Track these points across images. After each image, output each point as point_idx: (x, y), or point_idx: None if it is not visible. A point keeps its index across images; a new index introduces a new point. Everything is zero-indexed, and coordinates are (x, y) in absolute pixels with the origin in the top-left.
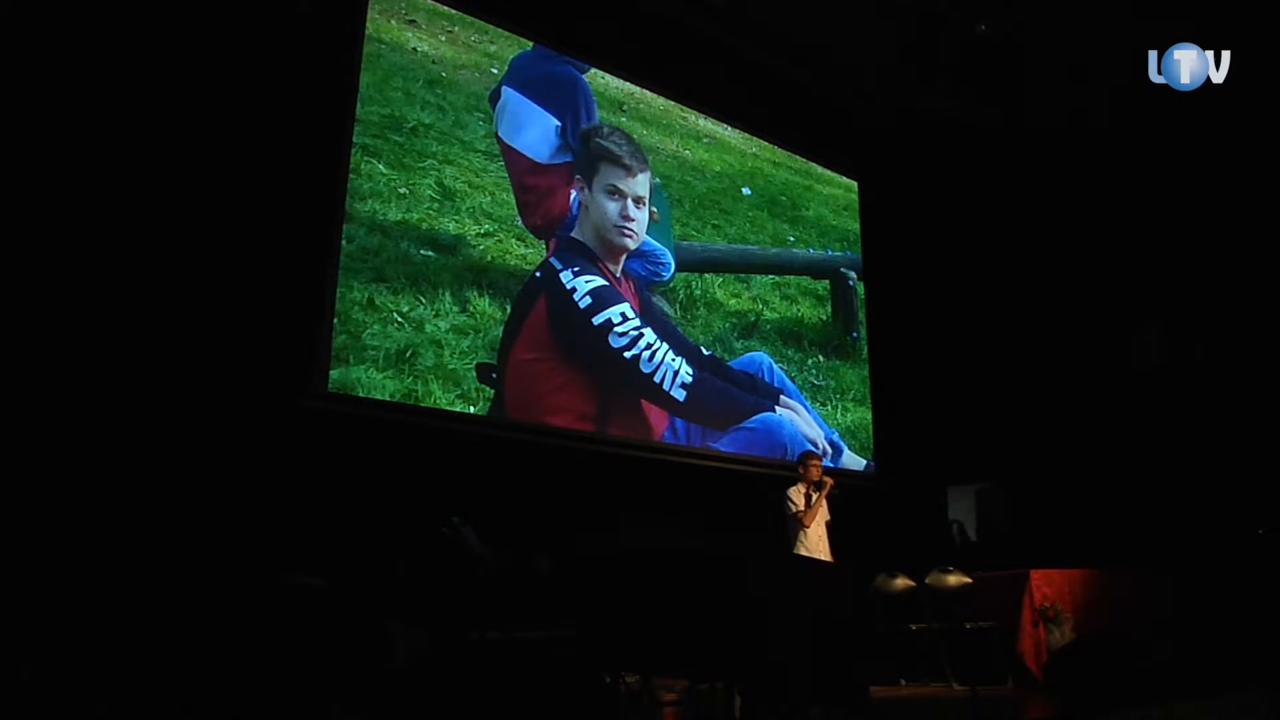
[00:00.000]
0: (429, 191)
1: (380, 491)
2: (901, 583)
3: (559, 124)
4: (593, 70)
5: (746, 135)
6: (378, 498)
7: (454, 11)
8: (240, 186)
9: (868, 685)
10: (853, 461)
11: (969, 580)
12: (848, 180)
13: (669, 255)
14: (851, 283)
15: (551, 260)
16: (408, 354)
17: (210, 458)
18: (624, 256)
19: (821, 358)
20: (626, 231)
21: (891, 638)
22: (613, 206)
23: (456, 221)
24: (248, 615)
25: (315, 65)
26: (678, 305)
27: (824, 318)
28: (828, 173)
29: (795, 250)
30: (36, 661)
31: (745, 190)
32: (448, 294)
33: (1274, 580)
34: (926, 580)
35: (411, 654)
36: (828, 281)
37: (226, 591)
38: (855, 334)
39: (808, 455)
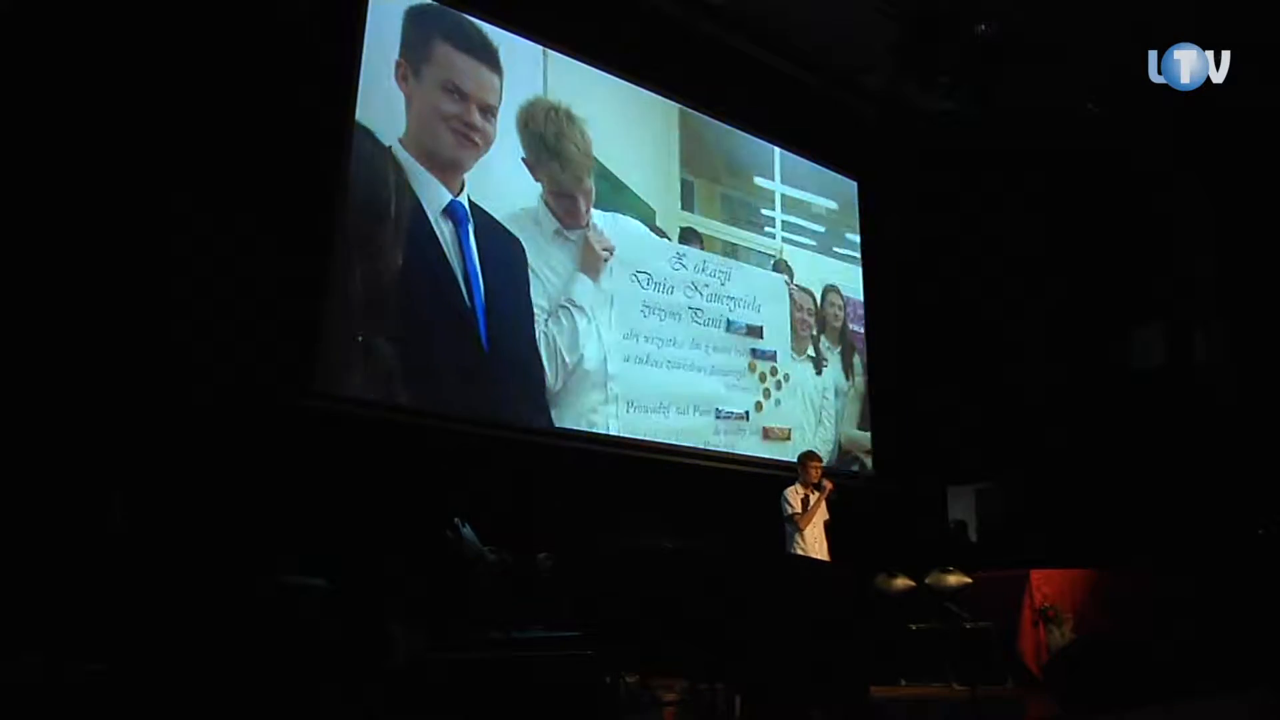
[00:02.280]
0: None
1: (380, 492)
2: (901, 583)
3: None
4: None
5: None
6: (378, 498)
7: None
8: (240, 185)
9: (868, 685)
10: (852, 462)
11: (969, 580)
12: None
13: None
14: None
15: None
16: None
17: (210, 457)
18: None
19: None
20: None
21: (891, 638)
22: None
23: None
24: (247, 616)
25: (315, 64)
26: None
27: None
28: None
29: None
30: (36, 661)
31: None
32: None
33: (1274, 580)
34: (926, 580)
35: (411, 654)
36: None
37: (226, 592)
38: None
39: (807, 456)
